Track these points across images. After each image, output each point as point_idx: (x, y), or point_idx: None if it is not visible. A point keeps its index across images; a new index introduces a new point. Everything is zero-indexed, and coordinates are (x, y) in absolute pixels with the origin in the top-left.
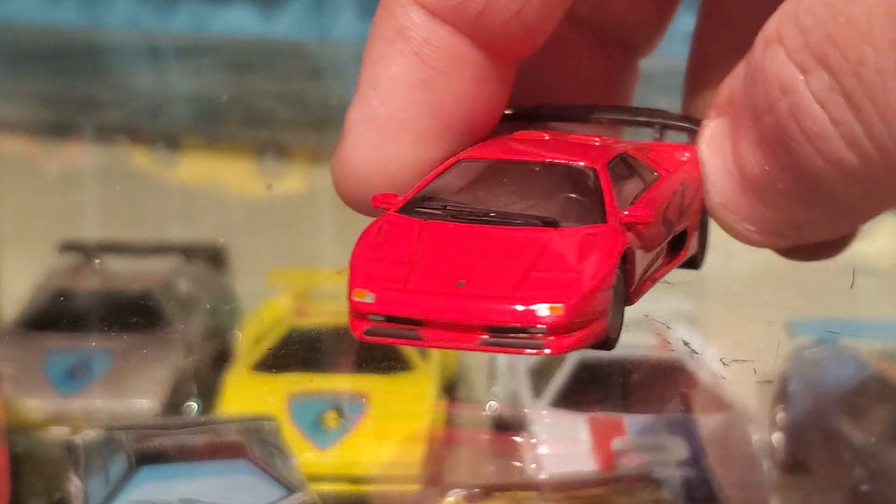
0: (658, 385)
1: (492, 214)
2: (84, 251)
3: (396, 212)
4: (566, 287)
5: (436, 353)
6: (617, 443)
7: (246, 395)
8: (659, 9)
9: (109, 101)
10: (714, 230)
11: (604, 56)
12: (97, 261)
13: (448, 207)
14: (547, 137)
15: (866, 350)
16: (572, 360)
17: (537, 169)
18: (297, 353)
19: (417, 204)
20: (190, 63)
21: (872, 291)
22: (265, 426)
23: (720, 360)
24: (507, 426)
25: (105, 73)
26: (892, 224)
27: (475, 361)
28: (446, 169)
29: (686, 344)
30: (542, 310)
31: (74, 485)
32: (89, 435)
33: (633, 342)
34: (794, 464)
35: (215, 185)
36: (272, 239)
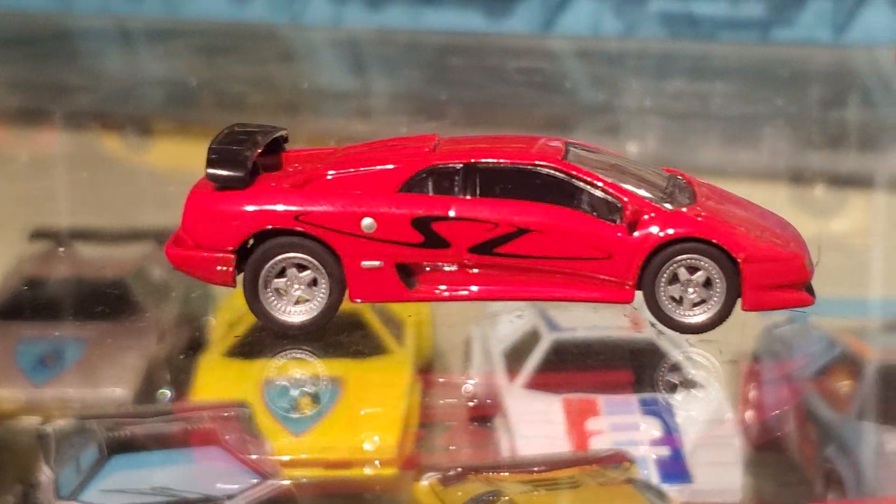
0: (631, 365)
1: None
2: (55, 238)
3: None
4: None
5: (411, 337)
6: (591, 423)
7: (219, 381)
8: None
9: (79, 85)
10: None
11: None
12: (61, 249)
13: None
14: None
15: (835, 328)
16: (546, 341)
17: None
18: (269, 338)
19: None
20: (161, 47)
21: (840, 269)
22: (238, 413)
23: (686, 340)
24: (481, 408)
25: (75, 57)
26: (859, 201)
27: (450, 344)
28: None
29: (653, 325)
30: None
31: (45, 474)
32: (60, 424)
33: (605, 323)
34: (766, 442)
35: (187, 169)
36: None
